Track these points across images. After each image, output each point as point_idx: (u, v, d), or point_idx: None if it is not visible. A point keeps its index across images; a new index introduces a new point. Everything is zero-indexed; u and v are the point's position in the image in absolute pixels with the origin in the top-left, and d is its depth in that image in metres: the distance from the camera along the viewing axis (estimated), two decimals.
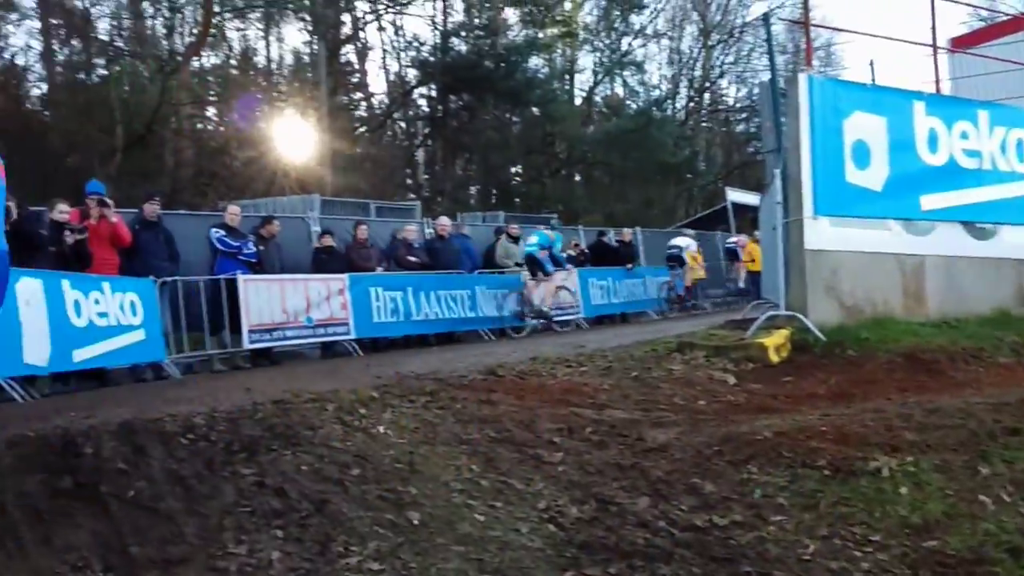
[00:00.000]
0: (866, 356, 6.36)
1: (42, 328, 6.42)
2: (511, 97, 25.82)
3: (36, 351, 6.33)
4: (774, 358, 6.41)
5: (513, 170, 29.22)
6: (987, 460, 4.28)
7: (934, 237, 7.72)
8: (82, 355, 6.92)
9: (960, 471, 4.17)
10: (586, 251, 15.47)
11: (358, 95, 28.57)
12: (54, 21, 21.95)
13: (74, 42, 22.60)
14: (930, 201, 7.75)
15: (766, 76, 8.41)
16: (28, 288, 6.37)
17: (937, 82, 9.04)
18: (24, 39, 23.29)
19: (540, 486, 4.26)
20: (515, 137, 27.39)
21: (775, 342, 6.49)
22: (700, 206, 30.03)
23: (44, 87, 22.43)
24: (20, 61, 21.53)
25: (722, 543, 3.66)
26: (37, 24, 21.59)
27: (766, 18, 19.34)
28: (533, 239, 12.28)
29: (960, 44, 14.32)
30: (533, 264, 11.96)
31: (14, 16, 21.05)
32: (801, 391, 5.87)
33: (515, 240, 13.75)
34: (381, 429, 4.69)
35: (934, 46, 8.73)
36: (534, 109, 27.18)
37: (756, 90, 27.36)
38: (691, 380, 6.19)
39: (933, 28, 8.79)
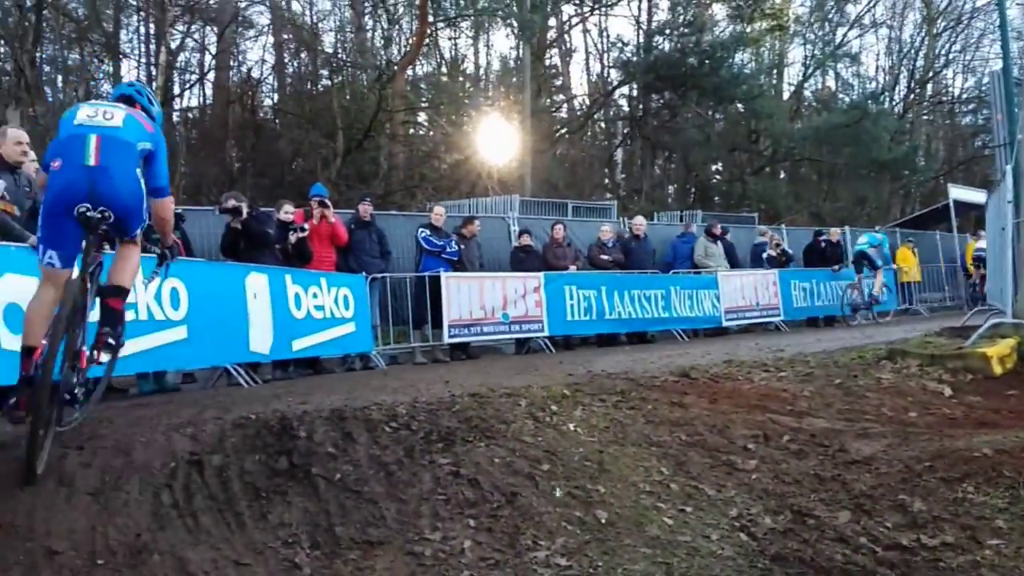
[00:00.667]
0: None
1: (266, 319, 7.00)
2: (715, 94, 25.20)
3: (260, 340, 6.91)
4: (997, 369, 5.89)
5: (714, 168, 28.57)
6: None
7: None
8: (300, 344, 7.49)
9: None
10: (787, 251, 14.86)
11: (560, 97, 28.96)
12: (285, 36, 23.87)
13: (302, 55, 24.46)
14: None
15: (998, 65, 7.70)
16: (256, 282, 6.97)
17: None
18: (259, 53, 25.57)
19: (732, 493, 4.17)
20: (717, 135, 26.73)
21: (999, 352, 5.96)
22: (918, 204, 28.05)
23: (275, 97, 24.45)
24: (255, 73, 23.60)
25: (931, 565, 3.44)
26: (270, 39, 23.59)
27: (1000, 0, 17.73)
28: (863, 239, 14.09)
29: None
30: (863, 259, 13.69)
31: (251, 33, 23.14)
32: None
33: (715, 239, 13.49)
34: (571, 426, 4.76)
35: None
36: (738, 105, 26.40)
37: (986, 80, 25.13)
38: (902, 390, 5.81)
39: None
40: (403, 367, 8.88)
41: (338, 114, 20.62)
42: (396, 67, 22.21)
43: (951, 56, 31.51)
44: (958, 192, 19.25)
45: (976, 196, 17.88)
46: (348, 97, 22.02)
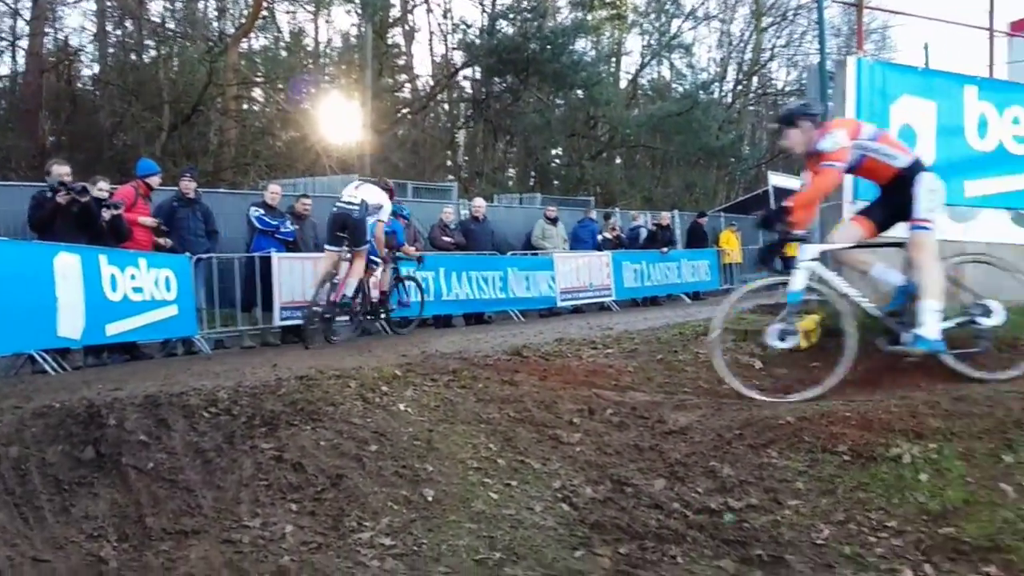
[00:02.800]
0: None
1: (77, 302, 6.57)
2: (556, 79, 25.62)
3: (70, 325, 6.48)
4: (803, 343, 6.29)
5: (553, 152, 29.13)
6: (1012, 449, 4.18)
7: (976, 223, 7.51)
8: (115, 329, 7.09)
9: (983, 459, 4.08)
10: (621, 235, 15.41)
11: (403, 77, 28.67)
12: (108, 3, 22.34)
13: (127, 24, 22.98)
14: (974, 187, 7.53)
15: (817, 59, 8.28)
16: (66, 263, 6.52)
17: (991, 66, 8.77)
18: (79, 20, 23.84)
19: (557, 466, 4.28)
20: (557, 120, 27.23)
21: (805, 327, 6.36)
22: (741, 190, 29.70)
23: (96, 68, 22.88)
24: (74, 42, 21.99)
25: (736, 526, 3.65)
26: (92, 5, 22.02)
27: None
28: None
29: (1020, 27, 13.89)
30: None
31: None
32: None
33: (553, 222, 13.78)
34: (402, 407, 4.74)
35: (991, 29, 8.48)
36: (578, 92, 26.99)
37: (804, 73, 26.86)
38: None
39: (991, 10, 8.52)
40: (230, 351, 8.58)
41: (165, 86, 19.53)
42: (229, 39, 21.28)
43: (776, 50, 33.43)
44: (777, 179, 20.49)
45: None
46: (176, 69, 20.89)
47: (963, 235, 7.47)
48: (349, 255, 8.61)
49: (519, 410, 4.86)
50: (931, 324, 5.30)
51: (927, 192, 5.47)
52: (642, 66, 31.34)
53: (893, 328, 5.51)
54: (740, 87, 33.43)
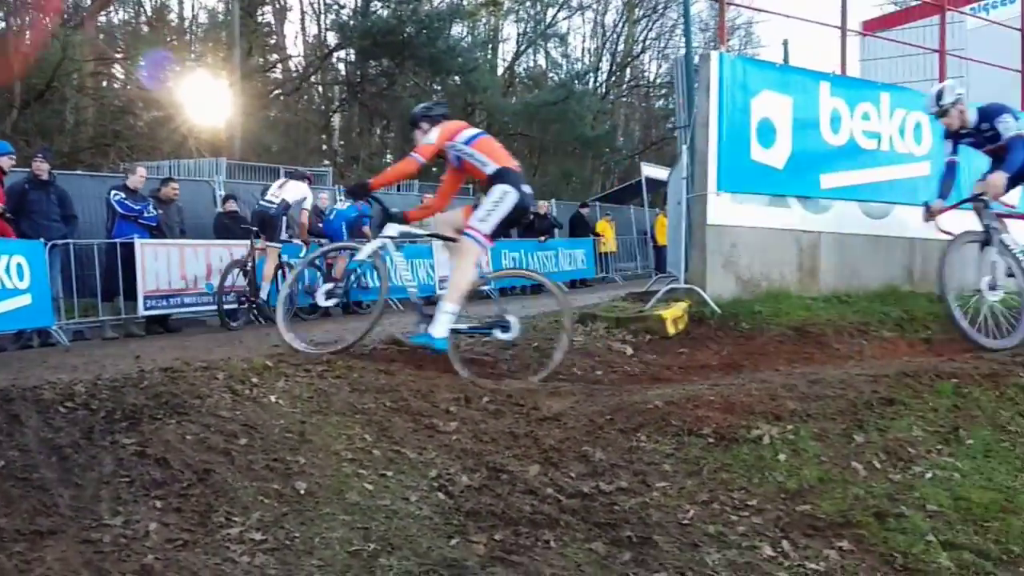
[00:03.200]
0: (758, 329, 6.55)
1: None
2: (432, 64, 25.50)
3: None
4: (671, 330, 6.54)
5: None
6: (862, 428, 4.46)
7: (831, 215, 7.95)
8: None
9: (836, 439, 4.33)
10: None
11: (274, 57, 27.87)
12: None
13: None
14: (829, 180, 7.98)
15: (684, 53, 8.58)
16: None
17: (843, 64, 9.24)
18: None
19: (433, 455, 4.26)
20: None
21: (673, 314, 6.63)
22: (616, 180, 30.39)
23: None
24: None
25: (607, 509, 3.73)
26: None
27: None
28: None
29: (871, 27, 14.70)
30: None
31: None
32: (695, 362, 6.02)
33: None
34: (273, 398, 4.62)
35: (843, 28, 8.92)
36: (455, 78, 26.92)
37: (673, 67, 27.67)
38: (591, 351, 6.27)
39: (843, 10, 8.97)
40: (90, 343, 8.16)
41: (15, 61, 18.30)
42: (86, 12, 20.13)
43: (647, 43, 34.32)
44: (649, 170, 21.06)
45: (664, 173, 19.70)
46: (28, 43, 19.60)
47: (819, 226, 7.90)
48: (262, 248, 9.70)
49: (395, 400, 4.82)
50: (441, 324, 5.66)
51: (490, 202, 5.74)
52: (518, 54, 31.60)
53: (421, 317, 5.87)
54: (614, 78, 34.14)
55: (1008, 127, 6.59)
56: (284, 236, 9.88)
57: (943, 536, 3.58)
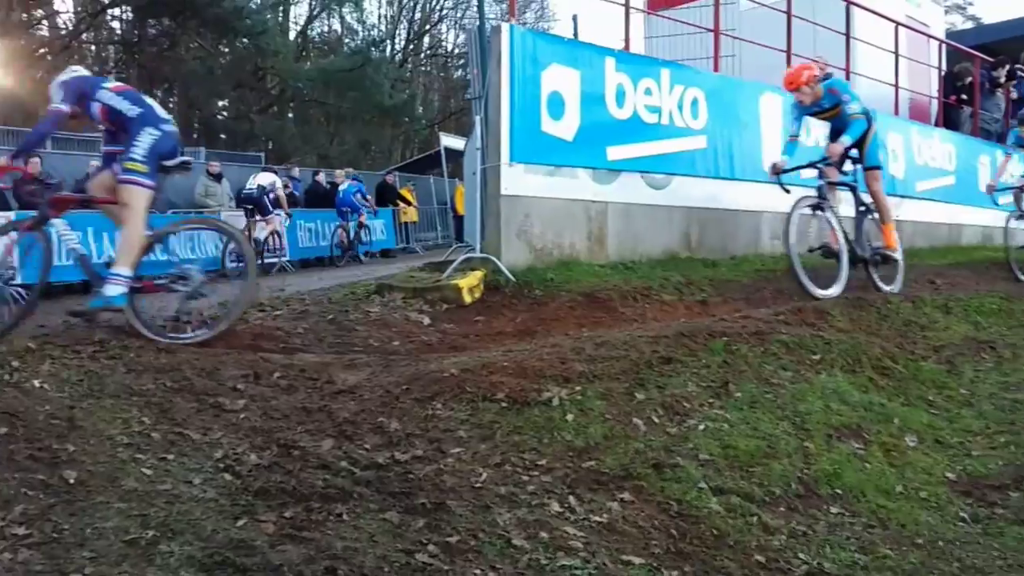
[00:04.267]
0: (551, 296, 6.77)
1: None
2: (217, 25, 24.16)
3: None
4: (468, 299, 6.62)
5: (221, 104, 27.59)
6: (643, 386, 4.72)
7: (617, 186, 8.31)
8: None
9: (620, 397, 4.56)
10: (295, 193, 15.07)
11: (40, 13, 25.40)
12: None
13: None
14: (615, 152, 8.32)
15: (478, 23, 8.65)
16: None
17: (627, 40, 9.62)
18: None
19: (219, 435, 4.09)
20: (222, 69, 25.75)
21: (469, 283, 6.71)
22: (416, 150, 30.28)
23: None
24: None
25: (402, 478, 3.73)
26: None
27: None
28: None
29: (655, 5, 15.33)
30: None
31: None
32: (491, 330, 6.13)
33: (216, 178, 13.08)
34: (37, 383, 4.26)
35: (627, 6, 9.26)
36: (244, 40, 25.68)
37: (464, 37, 27.87)
38: (387, 322, 6.24)
39: None
40: None
41: None
42: None
43: (444, 12, 34.24)
44: (448, 140, 21.15)
45: (463, 144, 19.83)
46: None
47: (607, 196, 8.24)
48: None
49: (177, 379, 4.58)
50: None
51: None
52: (311, 18, 30.61)
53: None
54: (411, 47, 33.88)
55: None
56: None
57: (713, 482, 3.87)
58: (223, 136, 25.84)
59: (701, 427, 4.39)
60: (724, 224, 9.36)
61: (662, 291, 7.21)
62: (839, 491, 4.10)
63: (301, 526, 3.27)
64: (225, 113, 27.54)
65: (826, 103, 7.68)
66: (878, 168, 7.90)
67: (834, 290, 7.33)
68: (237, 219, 12.51)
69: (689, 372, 5.01)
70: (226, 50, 26.47)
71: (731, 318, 6.21)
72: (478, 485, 3.68)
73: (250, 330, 5.80)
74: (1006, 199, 9.92)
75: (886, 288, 7.80)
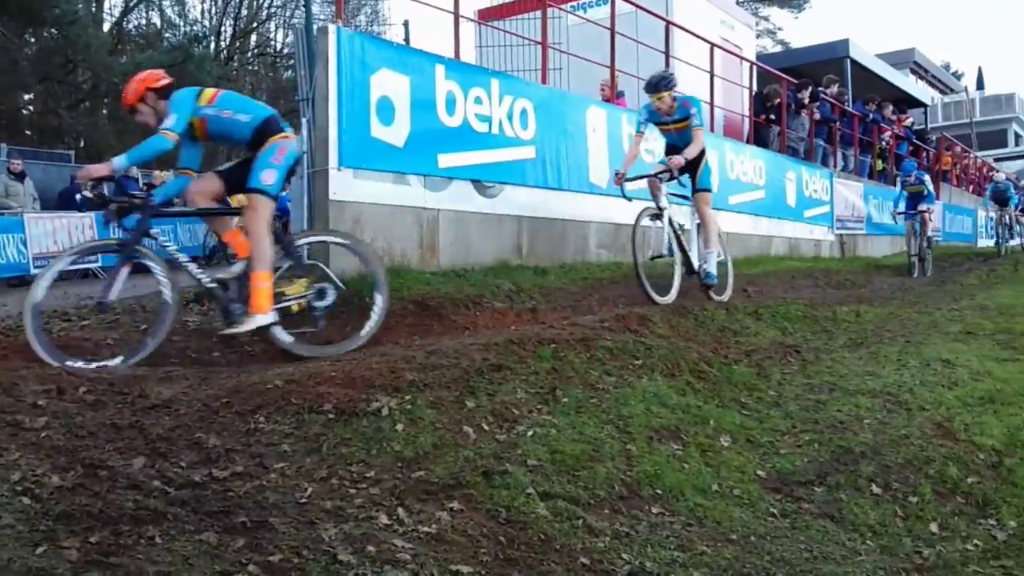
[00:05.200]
0: None
1: None
2: (23, 14, 22.34)
3: None
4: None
5: (27, 98, 25.59)
6: (474, 394, 4.75)
7: (448, 193, 8.34)
8: None
9: (450, 405, 4.56)
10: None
11: None
12: None
13: None
14: (446, 160, 8.34)
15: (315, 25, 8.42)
16: None
17: (457, 49, 9.67)
18: None
19: (16, 456, 3.75)
20: (28, 61, 23.84)
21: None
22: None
23: None
24: None
25: (220, 496, 3.56)
26: None
27: None
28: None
29: (486, 16, 15.53)
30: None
31: None
32: (319, 339, 5.98)
33: (19, 177, 12.10)
34: None
35: (456, 14, 9.30)
36: (52, 31, 23.89)
37: (291, 37, 27.24)
38: (207, 331, 5.96)
39: None
40: None
41: None
42: None
43: (273, 10, 33.26)
44: None
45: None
46: None
47: (439, 204, 8.24)
48: None
49: None
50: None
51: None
52: (127, 9, 28.92)
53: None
54: (237, 44, 32.69)
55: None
56: None
57: (541, 487, 3.93)
58: (28, 132, 23.95)
59: (530, 433, 4.45)
60: (553, 233, 9.59)
61: (494, 299, 7.28)
62: (659, 491, 4.27)
63: (108, 551, 3.05)
64: (31, 108, 25.53)
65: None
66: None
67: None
68: (42, 221, 11.62)
69: (519, 379, 5.08)
70: (32, 40, 24.54)
71: (559, 325, 6.35)
72: (303, 500, 3.56)
73: (55, 342, 5.38)
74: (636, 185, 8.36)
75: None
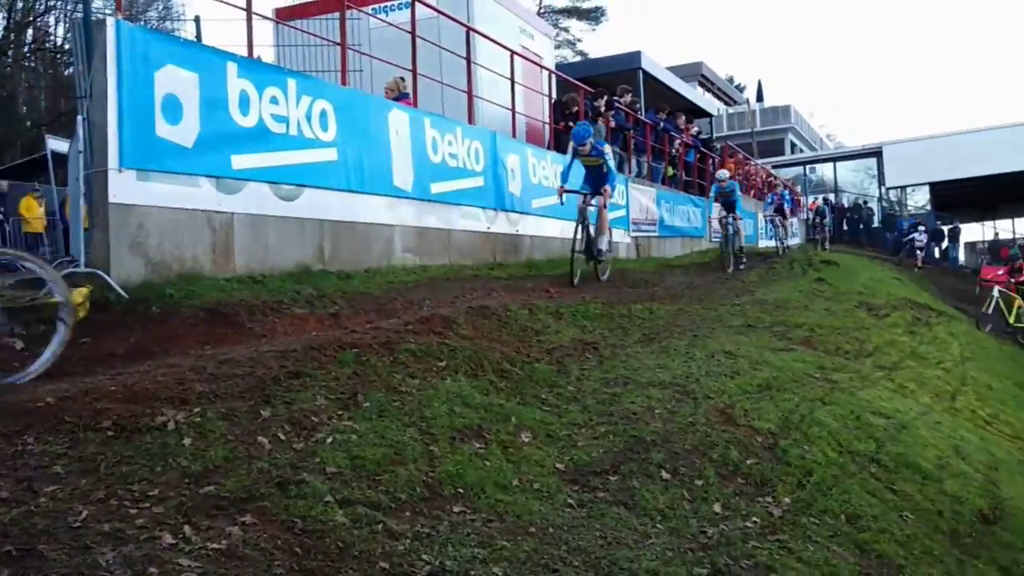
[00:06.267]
0: (170, 312, 6.29)
1: None
2: None
3: None
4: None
5: None
6: (270, 403, 4.58)
7: (243, 196, 7.98)
8: None
9: (244, 416, 4.37)
10: None
11: None
12: None
13: None
14: (241, 161, 7.99)
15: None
16: None
17: (250, 46, 9.32)
18: None
19: None
20: None
21: (73, 300, 6.01)
22: (21, 153, 26.92)
23: None
24: None
25: None
26: None
27: None
28: None
29: (285, 15, 15.10)
30: None
31: None
32: (99, 352, 5.56)
33: None
34: None
35: (248, 11, 8.96)
36: None
37: (69, 31, 25.40)
38: None
39: None
40: None
41: None
42: None
43: (52, 3, 30.87)
44: (56, 143, 18.97)
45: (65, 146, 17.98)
46: None
47: (233, 207, 7.91)
48: None
49: None
50: None
51: None
52: None
53: None
54: (12, 38, 30.08)
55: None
56: None
57: (340, 495, 3.84)
58: None
59: (329, 440, 4.34)
60: (357, 237, 9.43)
61: (293, 305, 7.05)
62: (461, 490, 4.29)
63: None
64: None
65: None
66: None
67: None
68: None
69: (318, 385, 4.96)
70: None
71: (362, 330, 6.26)
72: (76, 525, 3.29)
73: None
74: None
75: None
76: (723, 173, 17.49)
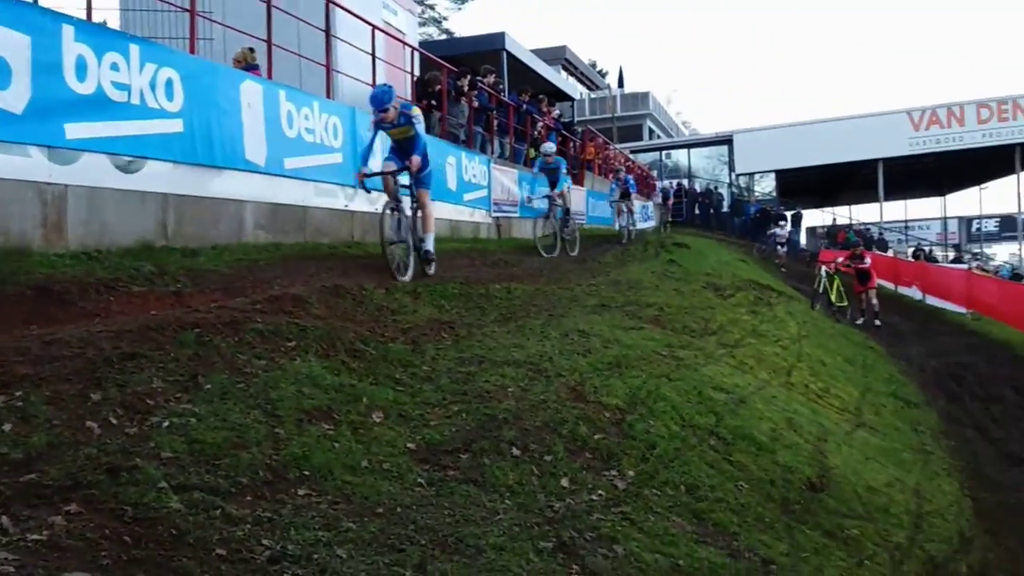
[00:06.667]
0: None
1: None
2: None
3: None
4: None
5: None
6: (101, 386, 4.33)
7: (79, 167, 7.49)
8: None
9: (72, 400, 4.12)
10: None
11: None
12: None
13: None
14: (76, 130, 7.49)
15: None
16: None
17: (89, 8, 8.78)
18: None
19: None
20: None
21: None
22: None
23: None
24: None
25: None
26: None
27: None
28: None
29: None
30: None
31: None
32: None
33: None
34: None
35: None
36: None
37: None
38: None
39: None
40: None
41: None
42: None
43: None
44: None
45: None
46: None
47: (67, 178, 7.43)
48: None
49: None
50: None
51: None
52: None
53: None
54: None
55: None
56: None
57: (176, 480, 3.67)
58: None
59: (165, 424, 4.15)
60: (205, 212, 9.03)
61: (131, 283, 6.69)
62: (307, 472, 4.19)
63: None
64: None
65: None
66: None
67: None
68: None
69: (155, 367, 4.73)
70: None
71: (205, 309, 6.02)
72: None
73: None
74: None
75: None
76: (548, 147, 16.82)
